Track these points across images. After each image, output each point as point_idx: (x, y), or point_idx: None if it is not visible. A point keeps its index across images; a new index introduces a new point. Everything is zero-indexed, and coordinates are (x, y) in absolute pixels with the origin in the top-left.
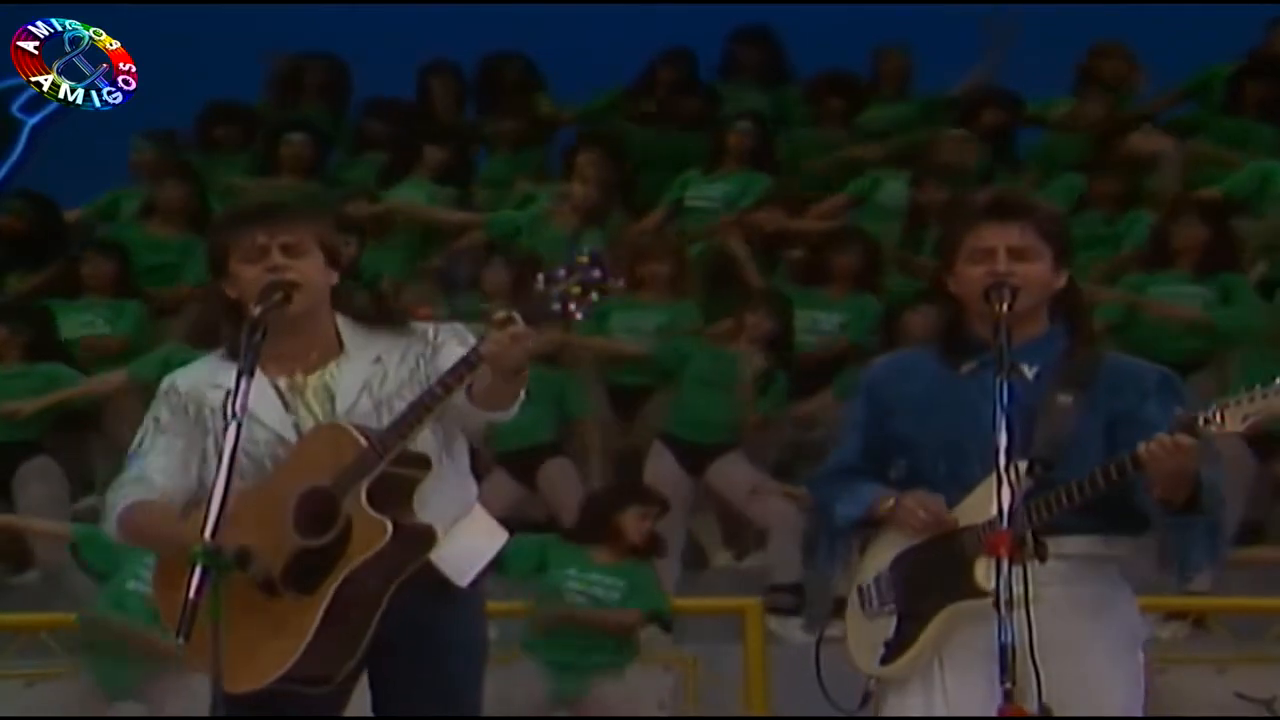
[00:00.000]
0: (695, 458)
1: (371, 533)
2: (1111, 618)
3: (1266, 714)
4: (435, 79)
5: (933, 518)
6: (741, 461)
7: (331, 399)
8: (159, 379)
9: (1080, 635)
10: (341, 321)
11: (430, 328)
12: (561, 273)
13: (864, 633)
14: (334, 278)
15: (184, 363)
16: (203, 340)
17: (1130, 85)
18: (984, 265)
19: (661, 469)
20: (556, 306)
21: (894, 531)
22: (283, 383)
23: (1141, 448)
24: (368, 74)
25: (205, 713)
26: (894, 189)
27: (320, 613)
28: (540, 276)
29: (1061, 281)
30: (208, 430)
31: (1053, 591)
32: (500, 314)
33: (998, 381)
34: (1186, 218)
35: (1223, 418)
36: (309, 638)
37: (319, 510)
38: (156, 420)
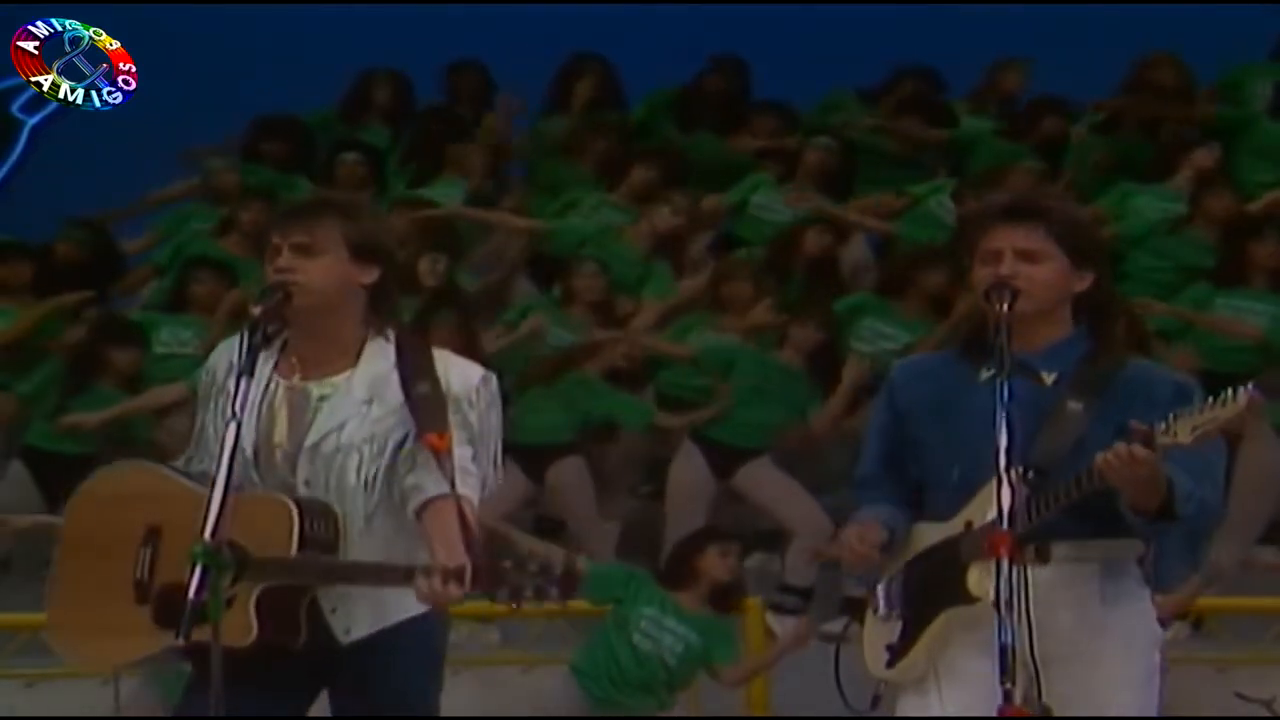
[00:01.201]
0: (726, 460)
1: (236, 628)
2: (1120, 619)
3: (1266, 714)
4: (460, 78)
5: (852, 554)
6: (771, 466)
7: (307, 423)
8: None
9: (1088, 637)
10: (373, 336)
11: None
12: (533, 567)
13: (875, 635)
14: (367, 276)
15: None
16: None
17: (1184, 95)
18: (991, 267)
19: (689, 469)
20: (504, 594)
21: (913, 535)
22: (277, 383)
23: (1099, 458)
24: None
25: None
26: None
27: (162, 649)
28: (510, 560)
29: (1084, 284)
30: (209, 404)
31: (1057, 594)
32: (451, 566)
33: (998, 382)
34: (1267, 234)
35: (1175, 430)
36: (144, 655)
37: None
38: (196, 410)
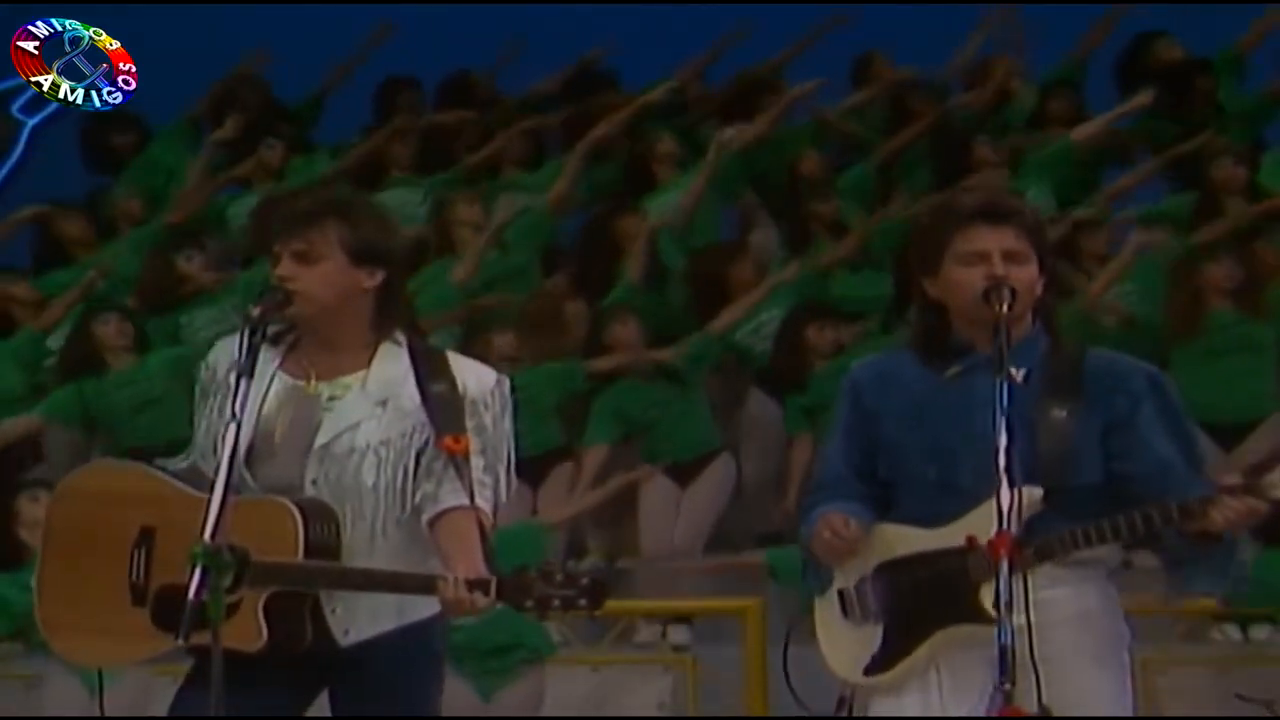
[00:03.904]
0: (678, 479)
1: (245, 633)
2: (1097, 621)
3: (1266, 714)
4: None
5: (837, 539)
6: (701, 483)
7: (316, 423)
8: (74, 416)
9: (1067, 639)
10: (384, 339)
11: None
12: (560, 576)
13: (844, 639)
14: (370, 280)
15: (97, 392)
16: None
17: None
18: (979, 268)
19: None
20: (530, 604)
21: (875, 539)
22: (283, 382)
23: (1218, 517)
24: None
25: None
26: None
27: (163, 651)
28: (536, 569)
29: (1040, 287)
30: (207, 399)
31: (1041, 595)
32: (475, 577)
33: (996, 382)
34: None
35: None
36: (144, 657)
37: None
38: (196, 407)
